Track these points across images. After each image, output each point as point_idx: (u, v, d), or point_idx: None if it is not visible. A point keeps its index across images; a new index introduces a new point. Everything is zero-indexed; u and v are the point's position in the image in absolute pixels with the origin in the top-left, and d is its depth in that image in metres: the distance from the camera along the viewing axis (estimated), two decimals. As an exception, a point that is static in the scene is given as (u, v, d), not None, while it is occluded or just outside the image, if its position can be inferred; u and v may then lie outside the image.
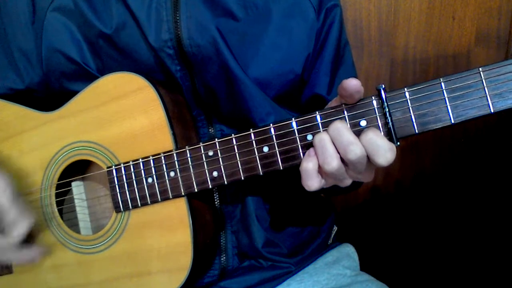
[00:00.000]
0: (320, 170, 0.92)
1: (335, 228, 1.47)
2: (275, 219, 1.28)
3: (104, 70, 1.19)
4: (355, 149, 0.86)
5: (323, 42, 1.25)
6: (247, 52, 1.17)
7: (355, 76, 1.31)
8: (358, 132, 0.89)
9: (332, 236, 1.45)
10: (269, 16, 1.18)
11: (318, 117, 0.93)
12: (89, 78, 1.18)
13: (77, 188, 1.26)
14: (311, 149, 0.92)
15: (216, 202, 1.24)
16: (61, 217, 1.23)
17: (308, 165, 0.91)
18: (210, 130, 1.23)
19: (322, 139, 0.89)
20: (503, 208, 2.14)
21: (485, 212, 2.18)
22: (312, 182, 0.92)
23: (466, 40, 2.04)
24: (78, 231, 1.24)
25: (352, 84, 0.87)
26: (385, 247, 2.25)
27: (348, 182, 0.95)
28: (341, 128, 0.88)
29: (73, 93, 1.20)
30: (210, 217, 1.17)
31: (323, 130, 0.93)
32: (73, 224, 1.25)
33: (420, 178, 2.18)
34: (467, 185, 2.16)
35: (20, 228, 1.08)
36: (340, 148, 0.88)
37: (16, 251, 1.12)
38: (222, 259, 1.26)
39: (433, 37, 2.04)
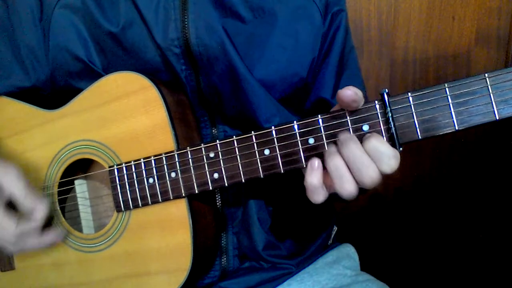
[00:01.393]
0: (325, 182, 0.92)
1: (335, 228, 1.47)
2: (276, 221, 1.27)
3: (109, 69, 1.19)
4: (372, 173, 0.86)
5: (329, 47, 1.25)
6: (253, 54, 1.17)
7: (361, 81, 1.32)
8: (360, 136, 0.89)
9: (332, 236, 1.45)
10: (275, 19, 1.18)
11: (320, 121, 0.93)
12: (94, 76, 1.18)
13: (80, 186, 1.26)
14: (315, 161, 0.92)
15: (218, 203, 1.23)
16: (63, 216, 1.23)
17: (313, 180, 0.91)
18: (213, 131, 1.23)
19: (339, 167, 0.88)
20: (503, 208, 2.15)
21: (485, 212, 2.18)
22: (319, 196, 0.92)
23: (466, 40, 2.04)
24: (80, 230, 1.25)
25: (347, 94, 0.86)
26: (385, 247, 2.26)
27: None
28: (356, 151, 0.87)
29: (78, 91, 1.20)
30: (211, 218, 1.17)
31: (334, 150, 0.91)
32: (76, 223, 1.26)
33: (419, 178, 2.18)
34: (467, 186, 2.17)
35: (40, 211, 1.11)
36: (355, 171, 0.87)
37: (39, 235, 1.14)
38: (222, 260, 1.26)
39: (433, 37, 2.04)
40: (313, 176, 0.91)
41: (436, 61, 2.05)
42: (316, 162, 0.91)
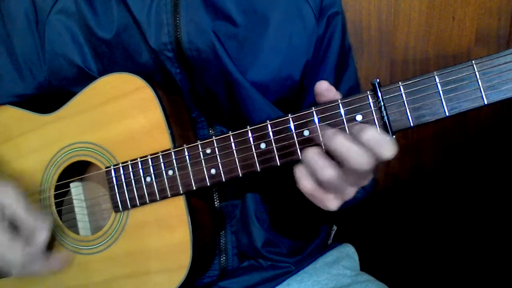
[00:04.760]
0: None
1: (334, 227, 1.46)
2: (274, 219, 1.27)
3: (105, 73, 1.18)
4: (361, 155, 0.84)
5: (326, 51, 1.24)
6: (246, 57, 1.17)
7: (357, 80, 1.32)
8: (353, 126, 0.89)
9: (332, 236, 1.45)
10: (268, 21, 1.18)
11: (314, 113, 0.93)
12: (90, 81, 1.18)
13: (76, 189, 1.26)
14: (300, 168, 0.91)
15: (215, 202, 1.24)
16: (61, 218, 1.24)
17: (306, 185, 0.91)
18: (210, 131, 1.23)
19: (310, 156, 0.88)
20: (503, 207, 2.14)
21: (485, 211, 2.18)
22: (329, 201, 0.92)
23: (466, 40, 2.04)
24: (77, 232, 1.24)
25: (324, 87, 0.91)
26: (385, 247, 2.25)
27: (350, 192, 0.93)
28: (339, 138, 0.85)
29: (74, 95, 1.20)
30: (209, 216, 1.17)
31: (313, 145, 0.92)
32: (73, 225, 1.25)
33: (420, 178, 2.18)
34: (467, 185, 2.16)
35: (42, 234, 1.09)
36: (343, 157, 0.85)
37: (43, 259, 1.12)
38: (222, 259, 1.26)
39: (433, 37, 2.04)
40: (304, 182, 0.91)
41: (436, 61, 2.05)
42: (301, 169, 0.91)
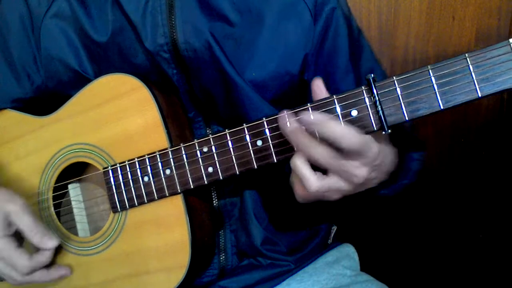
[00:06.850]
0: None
1: (334, 227, 1.46)
2: (273, 218, 1.27)
3: (101, 75, 1.19)
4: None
5: (333, 47, 1.22)
6: (243, 56, 1.17)
7: (376, 61, 1.30)
8: (349, 122, 0.90)
9: (332, 235, 1.44)
10: (263, 19, 1.17)
11: (310, 109, 0.93)
12: (86, 84, 1.19)
13: (74, 190, 1.26)
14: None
15: (214, 201, 1.24)
16: (59, 220, 1.24)
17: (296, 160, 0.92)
18: (207, 131, 1.23)
19: (292, 131, 0.90)
20: (504, 207, 2.13)
21: (485, 211, 2.17)
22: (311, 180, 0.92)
23: (466, 40, 2.03)
24: (76, 233, 1.25)
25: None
26: (385, 247, 2.24)
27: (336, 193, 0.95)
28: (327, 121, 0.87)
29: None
30: (207, 215, 1.17)
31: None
32: (71, 226, 1.26)
33: (419, 177, 2.17)
34: (467, 185, 2.15)
35: (49, 247, 1.11)
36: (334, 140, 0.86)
37: (47, 270, 1.16)
38: (221, 258, 1.26)
39: (433, 37, 2.03)
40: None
41: (436, 61, 2.01)
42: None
